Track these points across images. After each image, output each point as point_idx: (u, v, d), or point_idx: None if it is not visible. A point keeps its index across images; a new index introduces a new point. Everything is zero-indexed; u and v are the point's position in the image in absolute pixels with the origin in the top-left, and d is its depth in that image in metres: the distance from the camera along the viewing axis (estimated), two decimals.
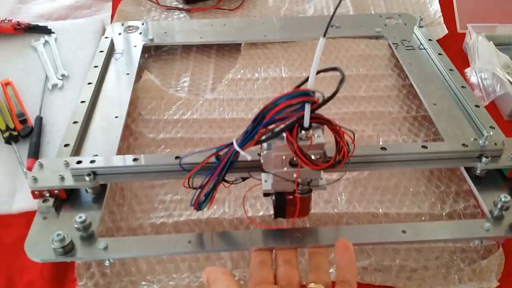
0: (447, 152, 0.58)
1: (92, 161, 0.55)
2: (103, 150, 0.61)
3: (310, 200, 0.49)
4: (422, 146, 0.58)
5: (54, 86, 0.77)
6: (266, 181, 0.48)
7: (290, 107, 0.41)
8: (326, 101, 0.41)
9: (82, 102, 0.68)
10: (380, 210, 0.60)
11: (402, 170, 0.65)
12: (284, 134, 0.42)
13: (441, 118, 0.66)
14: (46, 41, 0.85)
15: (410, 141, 0.69)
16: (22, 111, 0.70)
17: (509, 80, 0.73)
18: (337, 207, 0.60)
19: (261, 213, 0.59)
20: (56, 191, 0.54)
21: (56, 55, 0.82)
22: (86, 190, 0.55)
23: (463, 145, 0.58)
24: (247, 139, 0.43)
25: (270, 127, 0.42)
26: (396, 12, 0.93)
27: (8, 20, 0.88)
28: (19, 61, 0.82)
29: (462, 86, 0.70)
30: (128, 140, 0.68)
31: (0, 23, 0.87)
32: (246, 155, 0.44)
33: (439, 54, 0.77)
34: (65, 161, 0.56)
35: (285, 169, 0.45)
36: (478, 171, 0.58)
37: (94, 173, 0.54)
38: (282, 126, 0.42)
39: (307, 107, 0.40)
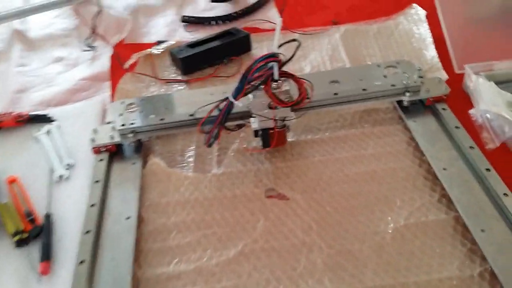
0: (382, 90, 0.78)
1: None
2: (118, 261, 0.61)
3: (286, 132, 0.74)
4: (363, 89, 0.78)
5: (61, 177, 0.76)
6: (254, 122, 0.71)
7: (265, 66, 0.64)
8: (288, 60, 0.65)
9: (92, 206, 0.67)
10: (410, 279, 0.57)
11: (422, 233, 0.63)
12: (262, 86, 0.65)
13: (452, 184, 0.67)
14: (48, 131, 0.85)
15: (427, 196, 0.68)
16: (29, 210, 0.69)
17: None
18: (363, 280, 0.58)
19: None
20: None
21: (60, 144, 0.82)
22: None
23: (392, 85, 0.78)
24: (238, 92, 0.65)
25: (253, 82, 0.65)
26: (392, 60, 0.93)
27: (9, 113, 0.89)
28: (23, 154, 0.82)
29: (471, 147, 0.71)
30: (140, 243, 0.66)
31: (2, 117, 0.87)
32: (238, 103, 0.66)
33: (443, 109, 0.77)
34: None
35: (265, 111, 0.69)
36: (405, 103, 0.79)
37: None
38: (259, 81, 0.64)
39: (275, 65, 0.63)
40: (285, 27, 1.10)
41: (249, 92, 0.67)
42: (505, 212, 0.62)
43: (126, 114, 0.79)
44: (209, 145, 0.71)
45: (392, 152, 0.76)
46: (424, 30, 1.00)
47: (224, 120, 0.69)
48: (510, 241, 0.59)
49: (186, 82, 0.96)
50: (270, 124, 0.71)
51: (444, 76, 0.89)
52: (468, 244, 0.61)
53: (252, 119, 0.72)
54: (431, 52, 0.95)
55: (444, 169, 0.69)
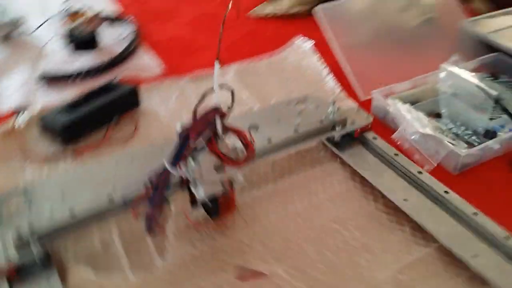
0: (314, 129, 0.73)
1: None
2: None
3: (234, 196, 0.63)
4: (294, 131, 0.72)
5: None
6: (198, 191, 0.58)
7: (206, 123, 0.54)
8: (230, 108, 0.55)
9: None
10: None
11: None
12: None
13: (419, 214, 0.65)
14: None
15: (400, 232, 0.64)
16: None
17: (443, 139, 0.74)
18: None
19: None
20: None
21: None
22: None
23: (320, 121, 0.74)
24: (178, 157, 0.54)
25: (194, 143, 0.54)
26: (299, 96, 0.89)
27: None
28: None
29: (419, 172, 0.70)
30: None
31: None
32: (178, 171, 0.55)
33: (374, 138, 0.76)
34: None
35: (212, 175, 0.57)
36: (336, 138, 0.75)
37: None
38: (201, 139, 0.54)
39: (218, 118, 0.54)
40: (166, 74, 0.99)
41: (192, 155, 0.56)
42: (483, 231, 0.61)
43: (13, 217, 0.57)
44: (151, 231, 0.57)
45: (342, 192, 0.71)
46: (316, 61, 0.99)
47: (164, 195, 0.57)
48: (505, 261, 0.58)
49: (74, 154, 0.76)
50: (219, 189, 0.59)
51: (354, 104, 0.88)
52: (465, 273, 0.58)
53: (194, 188, 0.59)
54: (331, 83, 0.94)
55: (405, 200, 0.67)
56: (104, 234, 0.63)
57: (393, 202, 0.67)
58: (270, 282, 0.57)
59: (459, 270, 0.59)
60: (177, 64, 1.03)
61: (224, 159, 0.56)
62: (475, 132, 0.80)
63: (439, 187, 0.67)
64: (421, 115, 0.79)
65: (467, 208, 0.63)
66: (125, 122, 0.84)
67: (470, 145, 0.77)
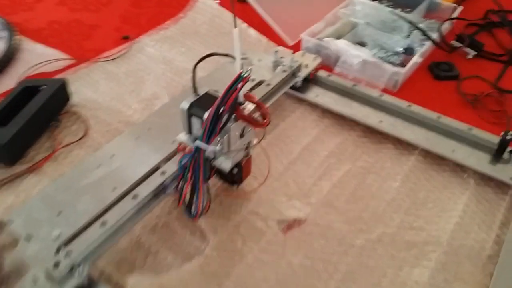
0: (282, 80, 0.75)
1: None
2: None
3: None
4: (267, 85, 0.74)
5: None
6: (225, 162, 0.54)
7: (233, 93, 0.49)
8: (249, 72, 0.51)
9: None
10: None
11: None
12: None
13: None
14: None
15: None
16: None
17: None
18: None
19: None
20: None
21: None
22: None
23: (283, 71, 0.76)
24: (211, 133, 0.50)
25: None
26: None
27: None
28: None
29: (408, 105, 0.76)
30: None
31: None
32: (214, 147, 0.51)
33: (329, 75, 0.80)
34: None
35: (238, 142, 0.55)
36: (298, 84, 0.78)
37: None
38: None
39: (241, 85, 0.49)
40: (74, 57, 0.89)
41: (222, 128, 0.52)
42: (449, 130, 0.71)
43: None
44: (196, 216, 0.57)
45: (322, 130, 0.75)
46: (228, 17, 0.99)
47: (207, 175, 0.54)
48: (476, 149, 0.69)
49: (30, 170, 0.65)
50: (242, 154, 0.58)
51: (288, 51, 0.92)
52: (448, 167, 0.69)
53: (220, 159, 0.55)
54: (253, 35, 0.95)
55: (380, 121, 0.74)
56: (132, 234, 0.57)
57: (370, 127, 0.74)
58: (309, 224, 0.60)
59: (443, 166, 0.69)
60: (79, 47, 0.92)
61: (253, 123, 0.54)
62: (395, 53, 0.91)
63: (402, 103, 0.75)
64: (356, 46, 0.86)
65: (430, 114, 0.73)
66: (67, 119, 0.74)
67: (394, 64, 0.88)
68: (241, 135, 0.56)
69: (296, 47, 0.92)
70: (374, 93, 0.77)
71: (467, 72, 0.89)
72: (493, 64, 0.93)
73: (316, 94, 0.79)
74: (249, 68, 0.52)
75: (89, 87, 0.81)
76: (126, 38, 0.96)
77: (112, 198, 0.54)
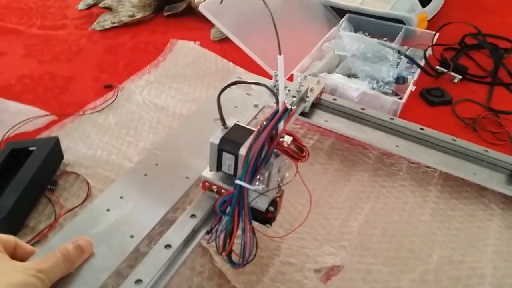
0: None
1: None
2: None
3: None
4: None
5: None
6: (257, 202, 0.49)
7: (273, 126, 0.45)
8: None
9: None
10: None
11: None
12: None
13: None
14: None
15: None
16: None
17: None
18: None
19: None
20: None
21: None
22: None
23: (292, 96, 0.71)
24: (256, 171, 0.45)
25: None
26: None
27: None
28: None
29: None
30: None
31: None
32: (258, 187, 0.46)
33: (334, 99, 0.78)
34: None
35: (277, 179, 0.50)
36: (306, 109, 0.74)
37: None
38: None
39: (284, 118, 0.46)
40: (55, 113, 0.83)
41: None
42: (463, 152, 0.71)
43: None
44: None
45: (339, 159, 0.73)
46: (212, 56, 0.97)
47: (249, 219, 0.47)
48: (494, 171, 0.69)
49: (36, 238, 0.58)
50: (276, 191, 0.51)
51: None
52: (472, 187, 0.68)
53: (257, 199, 0.49)
54: (243, 72, 0.93)
55: (397, 146, 0.71)
56: None
57: (382, 159, 0.72)
58: (347, 270, 0.56)
59: (463, 194, 0.69)
60: (55, 103, 0.86)
61: (295, 157, 0.48)
62: (386, 83, 0.91)
63: (415, 126, 0.73)
64: (351, 79, 0.86)
65: (444, 137, 0.72)
66: (64, 180, 0.68)
67: (387, 94, 0.88)
68: (278, 171, 0.51)
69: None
70: (385, 116, 0.75)
71: (457, 96, 0.90)
72: (479, 86, 0.95)
73: (325, 120, 0.75)
74: (294, 99, 0.50)
75: (81, 143, 0.75)
76: (109, 87, 0.90)
77: (133, 246, 0.47)
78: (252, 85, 0.78)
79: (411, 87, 0.86)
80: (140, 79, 0.92)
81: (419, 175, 0.71)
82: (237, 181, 0.45)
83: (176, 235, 0.48)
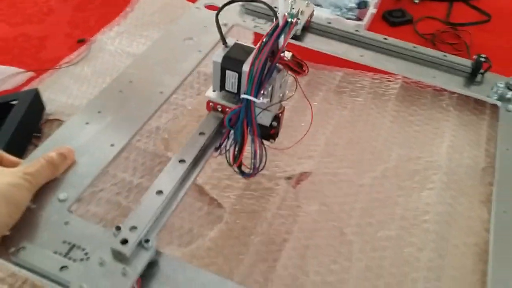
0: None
1: None
2: None
3: None
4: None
5: None
6: (261, 118, 0.50)
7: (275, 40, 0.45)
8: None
9: None
10: None
11: None
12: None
13: None
14: None
15: None
16: None
17: None
18: None
19: None
20: None
21: None
22: None
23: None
24: (260, 85, 0.45)
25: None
26: None
27: None
28: None
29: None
30: None
31: None
32: (263, 101, 0.46)
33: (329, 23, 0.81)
34: None
35: (280, 94, 0.51)
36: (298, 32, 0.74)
37: None
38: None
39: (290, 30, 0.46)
40: (33, 70, 0.86)
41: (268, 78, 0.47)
42: (425, 58, 0.75)
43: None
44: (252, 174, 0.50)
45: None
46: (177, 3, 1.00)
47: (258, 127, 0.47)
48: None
49: None
50: (278, 107, 0.52)
51: None
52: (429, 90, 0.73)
53: (261, 115, 0.50)
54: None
55: (361, 56, 0.76)
56: None
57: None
58: (316, 175, 0.62)
59: (422, 100, 0.73)
60: (32, 61, 0.89)
61: (297, 70, 0.48)
62: (349, 9, 0.94)
63: (378, 36, 0.75)
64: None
65: (406, 45, 0.74)
66: (48, 128, 0.72)
67: (352, 19, 0.91)
68: (279, 86, 0.51)
69: None
70: (351, 29, 0.76)
71: (418, 15, 0.94)
72: (439, 3, 0.99)
73: (314, 41, 0.75)
74: (299, 9, 0.46)
75: (61, 94, 0.79)
76: (81, 41, 0.93)
77: (113, 154, 0.51)
78: (221, 5, 0.79)
79: (372, 10, 0.89)
80: (111, 30, 0.95)
81: (382, 88, 0.76)
82: (244, 96, 0.45)
83: (189, 152, 0.50)
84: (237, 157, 0.48)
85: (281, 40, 0.45)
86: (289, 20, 0.45)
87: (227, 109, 0.51)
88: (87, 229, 0.44)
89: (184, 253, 0.53)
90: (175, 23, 0.76)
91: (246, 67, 0.46)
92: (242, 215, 0.57)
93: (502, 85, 0.66)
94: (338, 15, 0.91)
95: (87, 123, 0.54)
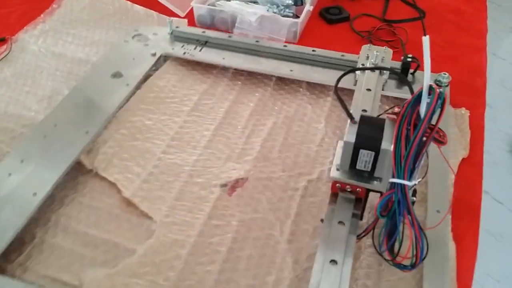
0: None
1: None
2: None
3: None
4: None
5: None
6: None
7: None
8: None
9: None
10: None
11: None
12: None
13: None
14: None
15: None
16: None
17: None
18: None
19: None
20: None
21: None
22: None
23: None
24: (414, 167, 0.42)
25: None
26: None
27: None
28: None
29: None
30: None
31: None
32: (415, 182, 0.42)
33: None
34: None
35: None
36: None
37: None
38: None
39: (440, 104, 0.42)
40: None
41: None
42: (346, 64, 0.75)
43: None
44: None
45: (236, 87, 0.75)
46: None
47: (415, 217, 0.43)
48: None
49: None
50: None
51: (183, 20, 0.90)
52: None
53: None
54: (142, 11, 0.91)
55: (291, 70, 0.75)
56: None
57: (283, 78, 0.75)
58: (251, 181, 0.60)
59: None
60: None
61: (442, 140, 0.44)
62: (286, 6, 0.92)
63: (307, 49, 0.77)
64: (249, 4, 0.86)
65: (334, 54, 0.76)
66: None
67: (288, 17, 0.90)
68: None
69: (189, 17, 0.90)
70: (279, 45, 0.78)
71: (355, 12, 0.94)
72: (376, 0, 0.99)
73: (222, 57, 0.78)
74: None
75: None
76: (1, 40, 0.86)
77: (36, 203, 0.49)
78: (150, 35, 0.80)
79: (308, 7, 0.88)
80: (34, 29, 0.88)
81: (317, 89, 0.75)
82: (394, 180, 0.42)
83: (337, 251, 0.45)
84: (392, 250, 0.44)
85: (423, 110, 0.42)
86: (443, 95, 0.41)
87: (358, 189, 0.47)
88: None
89: (109, 273, 0.49)
90: (103, 58, 0.77)
91: (387, 145, 0.43)
92: (174, 228, 0.54)
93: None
94: (275, 13, 0.89)
95: (9, 174, 0.54)
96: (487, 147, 0.66)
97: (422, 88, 0.42)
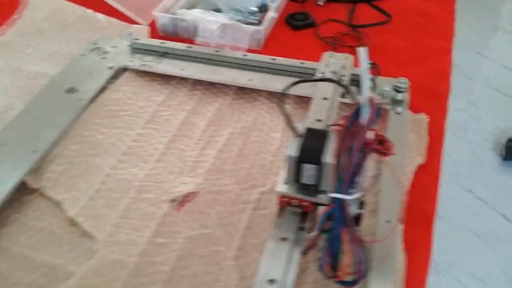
0: None
1: None
2: None
3: None
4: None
5: None
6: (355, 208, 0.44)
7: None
8: None
9: None
10: None
11: None
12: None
13: None
14: None
15: None
16: None
17: None
18: None
19: None
20: None
21: None
22: None
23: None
24: (353, 179, 0.41)
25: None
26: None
27: None
28: None
29: None
30: None
31: None
32: (355, 196, 0.42)
33: None
34: None
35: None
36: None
37: None
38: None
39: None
40: None
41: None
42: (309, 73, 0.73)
43: None
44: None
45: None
46: (71, 6, 0.93)
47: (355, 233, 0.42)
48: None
49: None
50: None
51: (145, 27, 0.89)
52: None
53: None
54: (104, 19, 0.90)
55: (250, 80, 0.74)
56: None
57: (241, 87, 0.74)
58: (201, 195, 0.58)
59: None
60: None
61: (386, 152, 0.42)
62: (251, 13, 0.91)
63: (266, 58, 0.76)
64: (211, 13, 0.85)
65: (294, 62, 0.75)
66: None
67: (253, 24, 0.88)
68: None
69: (153, 26, 0.89)
70: (239, 54, 0.77)
71: (322, 18, 0.92)
72: (343, 5, 0.97)
73: (181, 68, 0.76)
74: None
75: None
76: None
77: None
78: (109, 48, 0.78)
79: (272, 14, 0.87)
80: None
81: (277, 97, 0.73)
82: (334, 195, 0.41)
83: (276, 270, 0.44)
84: (335, 266, 0.43)
85: (364, 120, 0.41)
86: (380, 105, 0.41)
87: (304, 203, 0.47)
88: None
89: None
90: (59, 73, 0.75)
91: (329, 159, 0.43)
92: (116, 248, 0.52)
93: (388, 89, 0.65)
94: (240, 20, 0.88)
95: None
96: (471, 146, 0.65)
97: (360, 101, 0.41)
